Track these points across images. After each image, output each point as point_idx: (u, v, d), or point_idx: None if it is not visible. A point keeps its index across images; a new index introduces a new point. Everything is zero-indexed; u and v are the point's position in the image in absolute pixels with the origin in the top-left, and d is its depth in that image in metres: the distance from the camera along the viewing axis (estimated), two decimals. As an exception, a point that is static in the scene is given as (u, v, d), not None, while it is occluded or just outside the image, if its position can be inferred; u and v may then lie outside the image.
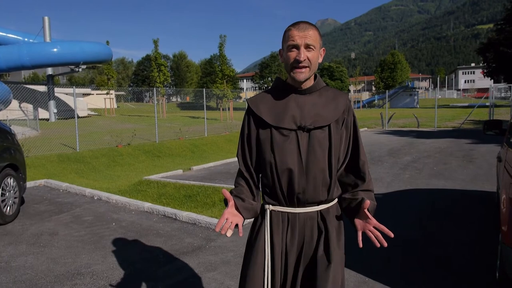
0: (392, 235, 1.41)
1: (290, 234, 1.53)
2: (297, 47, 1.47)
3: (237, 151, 1.65)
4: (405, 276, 3.13)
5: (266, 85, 59.43)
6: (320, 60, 1.56)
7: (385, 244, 1.41)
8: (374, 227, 1.47)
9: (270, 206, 1.56)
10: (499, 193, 3.67)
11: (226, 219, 1.41)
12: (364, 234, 1.50)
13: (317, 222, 1.54)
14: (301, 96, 1.55)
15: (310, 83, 1.56)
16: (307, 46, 1.46)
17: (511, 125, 4.09)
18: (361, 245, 1.45)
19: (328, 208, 1.56)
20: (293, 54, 1.48)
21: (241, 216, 1.48)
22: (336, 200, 1.61)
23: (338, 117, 1.55)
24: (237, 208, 1.50)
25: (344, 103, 1.58)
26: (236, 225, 1.45)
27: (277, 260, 1.52)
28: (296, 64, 1.47)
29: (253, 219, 1.65)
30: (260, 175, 1.61)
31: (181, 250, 3.79)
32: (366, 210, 1.46)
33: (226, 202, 1.49)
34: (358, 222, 1.53)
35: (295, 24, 1.49)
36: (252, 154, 1.60)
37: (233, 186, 1.65)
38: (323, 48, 1.56)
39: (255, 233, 1.59)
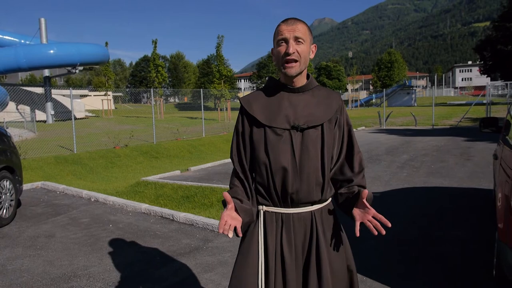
0: (389, 224, 1.43)
1: (284, 235, 1.51)
2: (286, 40, 1.47)
3: (231, 151, 1.63)
4: (402, 275, 3.13)
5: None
6: (312, 56, 1.56)
7: (383, 232, 1.41)
8: (373, 217, 1.47)
9: (264, 207, 1.55)
10: (495, 190, 3.67)
11: (226, 221, 1.42)
12: (361, 225, 1.50)
13: (311, 222, 1.52)
14: (294, 95, 1.55)
15: (302, 81, 1.56)
16: (296, 39, 1.47)
17: (507, 123, 4.09)
18: (358, 234, 1.45)
19: (321, 208, 1.55)
20: (282, 48, 1.48)
21: (240, 219, 1.48)
22: (329, 200, 1.61)
23: (331, 117, 1.55)
24: (236, 211, 1.48)
25: (337, 103, 1.58)
26: (235, 228, 1.45)
27: (271, 261, 1.50)
28: (286, 57, 1.47)
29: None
30: (254, 174, 1.61)
31: (178, 251, 3.78)
32: (364, 200, 1.47)
33: (224, 204, 1.48)
34: (356, 213, 1.52)
35: (284, 20, 1.51)
36: (247, 153, 1.59)
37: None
38: (314, 45, 1.56)
39: (248, 234, 1.58)
